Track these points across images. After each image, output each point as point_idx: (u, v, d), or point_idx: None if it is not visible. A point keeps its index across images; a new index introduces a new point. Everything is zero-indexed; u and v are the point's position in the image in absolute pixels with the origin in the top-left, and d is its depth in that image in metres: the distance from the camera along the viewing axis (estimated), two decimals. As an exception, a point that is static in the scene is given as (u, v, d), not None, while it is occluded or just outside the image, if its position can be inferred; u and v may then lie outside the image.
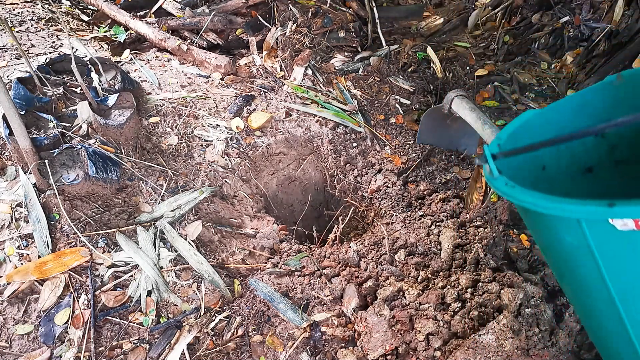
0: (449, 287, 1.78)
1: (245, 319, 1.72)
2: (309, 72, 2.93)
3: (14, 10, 3.25)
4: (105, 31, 3.34)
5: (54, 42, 2.93)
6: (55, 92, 2.18)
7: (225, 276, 1.86)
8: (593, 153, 1.19)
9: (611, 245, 0.82)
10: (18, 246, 1.76)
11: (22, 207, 1.86)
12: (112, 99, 2.21)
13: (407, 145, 2.66)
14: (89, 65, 2.39)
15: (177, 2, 3.37)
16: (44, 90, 2.17)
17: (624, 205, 0.72)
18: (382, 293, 1.78)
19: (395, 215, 2.23)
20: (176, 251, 1.87)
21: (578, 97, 1.15)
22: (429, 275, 1.87)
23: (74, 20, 3.48)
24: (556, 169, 1.18)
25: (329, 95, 2.83)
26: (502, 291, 1.69)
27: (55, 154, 1.92)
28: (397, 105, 2.89)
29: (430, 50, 3.12)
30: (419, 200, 2.31)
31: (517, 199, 0.84)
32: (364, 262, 1.97)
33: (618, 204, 0.72)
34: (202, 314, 1.71)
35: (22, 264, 1.71)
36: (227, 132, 2.47)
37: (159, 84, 2.65)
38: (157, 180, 2.11)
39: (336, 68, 3.05)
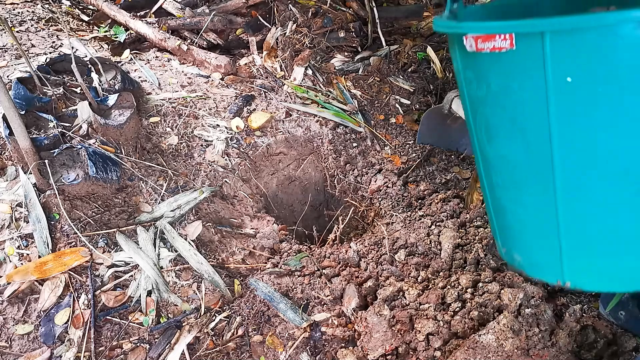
0: (449, 287, 1.78)
1: (245, 319, 1.72)
2: (309, 72, 2.93)
3: (14, 10, 3.25)
4: (105, 31, 3.34)
5: (54, 42, 2.93)
6: (55, 92, 2.18)
7: (225, 276, 1.86)
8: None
9: (468, 67, 0.90)
10: (18, 246, 1.76)
11: (22, 207, 1.86)
12: (112, 99, 2.21)
13: (407, 145, 2.66)
14: (89, 65, 2.39)
15: (177, 2, 3.38)
16: (44, 90, 2.17)
17: (465, 22, 0.80)
18: (382, 293, 1.78)
19: (396, 215, 2.23)
20: (176, 251, 1.87)
21: None
22: (429, 275, 1.87)
23: (74, 20, 3.48)
24: None
25: (329, 95, 2.83)
26: (502, 291, 1.69)
27: (55, 154, 1.92)
28: (397, 105, 2.89)
29: (430, 50, 3.12)
30: (419, 200, 2.31)
31: (437, 26, 0.91)
32: (364, 262, 1.97)
33: (464, 21, 0.80)
34: (202, 314, 1.71)
35: (22, 264, 1.71)
36: (227, 132, 2.47)
37: (159, 84, 2.65)
38: (157, 180, 2.11)
39: (336, 68, 3.05)
